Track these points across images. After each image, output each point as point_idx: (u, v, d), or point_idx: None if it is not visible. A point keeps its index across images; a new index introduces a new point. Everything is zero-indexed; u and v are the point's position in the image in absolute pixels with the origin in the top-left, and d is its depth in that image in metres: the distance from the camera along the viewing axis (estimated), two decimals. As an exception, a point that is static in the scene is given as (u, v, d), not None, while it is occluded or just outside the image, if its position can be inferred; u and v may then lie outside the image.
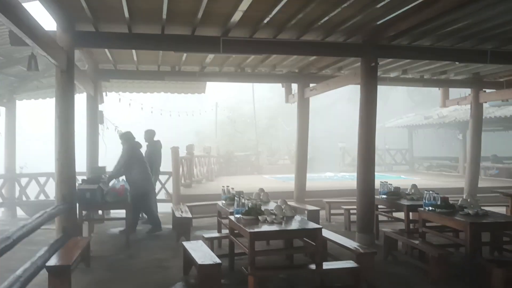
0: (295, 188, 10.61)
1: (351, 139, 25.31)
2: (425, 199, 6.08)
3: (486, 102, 11.07)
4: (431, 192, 6.11)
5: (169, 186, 11.26)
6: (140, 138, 8.74)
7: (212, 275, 4.70)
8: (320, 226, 4.89)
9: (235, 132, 25.54)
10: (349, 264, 4.73)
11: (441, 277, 5.03)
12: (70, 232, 6.19)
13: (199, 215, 9.19)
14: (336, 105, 34.34)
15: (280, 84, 11.50)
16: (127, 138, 8.29)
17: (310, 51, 7.49)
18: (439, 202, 5.95)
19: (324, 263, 4.69)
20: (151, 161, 9.19)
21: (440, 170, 18.78)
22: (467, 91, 11.69)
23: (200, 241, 5.74)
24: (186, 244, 5.57)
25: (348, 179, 16.19)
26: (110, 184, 7.49)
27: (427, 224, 6.16)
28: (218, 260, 4.78)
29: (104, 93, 11.12)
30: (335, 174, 18.67)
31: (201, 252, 5.14)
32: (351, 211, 8.43)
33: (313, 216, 8.41)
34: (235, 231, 5.39)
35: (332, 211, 9.51)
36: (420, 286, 5.10)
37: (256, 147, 22.87)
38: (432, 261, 5.07)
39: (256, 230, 4.79)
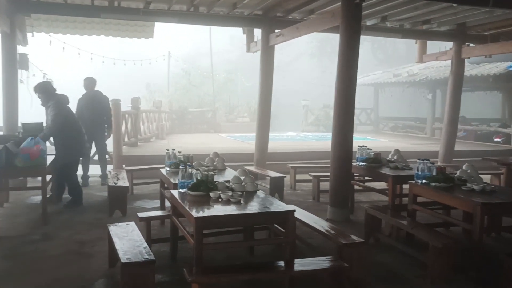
0: (256, 149, 9.28)
1: (314, 97, 24.31)
2: (417, 170, 4.89)
3: (469, 58, 9.96)
4: (425, 161, 4.92)
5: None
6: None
7: (141, 276, 3.35)
8: (293, 209, 3.59)
9: (190, 85, 23.54)
10: (330, 262, 3.48)
11: (443, 272, 3.89)
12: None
13: (142, 181, 7.76)
14: (298, 61, 32.99)
15: (241, 34, 9.94)
16: (45, 90, 6.29)
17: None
18: (434, 174, 4.82)
19: (296, 261, 3.43)
20: (100, 112, 8.16)
21: (406, 131, 17.96)
22: (446, 47, 10.57)
23: (132, 224, 4.33)
24: (112, 229, 4.15)
25: (311, 139, 15.14)
26: (23, 144, 5.80)
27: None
28: (151, 257, 3.41)
29: (30, 34, 9.27)
30: (297, 134, 17.51)
31: (129, 242, 3.75)
32: (321, 179, 7.26)
33: (277, 183, 7.20)
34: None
35: (297, 177, 8.31)
36: (418, 284, 3.96)
37: (213, 103, 21.24)
38: (433, 252, 3.90)
39: (204, 214, 3.45)
